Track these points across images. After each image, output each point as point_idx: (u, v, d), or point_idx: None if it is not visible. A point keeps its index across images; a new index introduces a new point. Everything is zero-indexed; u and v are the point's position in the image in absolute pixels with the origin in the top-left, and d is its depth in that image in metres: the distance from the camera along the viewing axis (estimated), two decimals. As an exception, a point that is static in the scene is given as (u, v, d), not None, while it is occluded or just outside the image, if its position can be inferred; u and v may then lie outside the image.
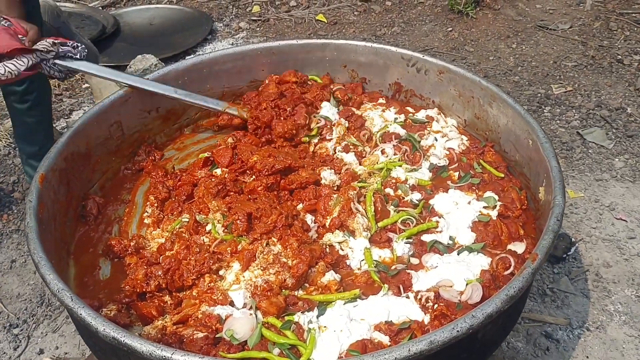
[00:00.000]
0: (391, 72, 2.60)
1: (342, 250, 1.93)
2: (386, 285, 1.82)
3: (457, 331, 1.42)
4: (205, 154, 2.36)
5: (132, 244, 2.00)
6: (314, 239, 1.95)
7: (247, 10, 5.73)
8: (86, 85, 4.34)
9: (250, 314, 1.69)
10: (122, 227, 2.15)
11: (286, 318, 1.71)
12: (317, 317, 1.72)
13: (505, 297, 1.48)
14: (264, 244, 1.89)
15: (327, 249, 1.92)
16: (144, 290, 1.85)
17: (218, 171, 2.26)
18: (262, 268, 1.83)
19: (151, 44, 4.90)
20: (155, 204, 2.18)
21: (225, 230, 1.97)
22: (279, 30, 5.41)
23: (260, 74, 2.67)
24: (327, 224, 1.99)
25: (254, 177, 2.16)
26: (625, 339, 2.48)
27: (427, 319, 1.72)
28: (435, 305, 1.74)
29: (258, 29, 5.45)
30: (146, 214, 2.17)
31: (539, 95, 4.09)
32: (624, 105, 3.93)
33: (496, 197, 2.08)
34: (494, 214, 2.04)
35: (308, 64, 2.68)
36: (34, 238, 1.70)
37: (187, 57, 4.42)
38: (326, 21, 5.55)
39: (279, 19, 5.62)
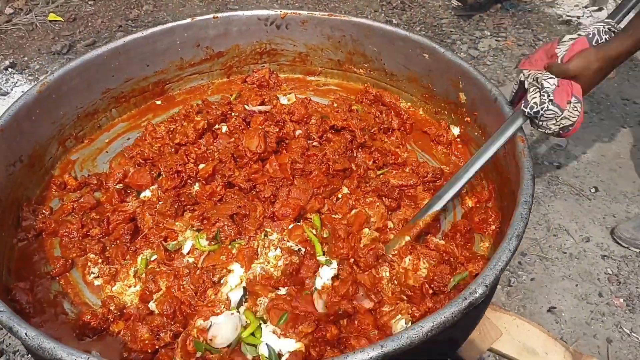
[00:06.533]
0: (248, 37, 2.51)
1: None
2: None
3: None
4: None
5: (111, 308, 1.66)
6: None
7: (-41, 32, 4.75)
8: None
9: (232, 314, 1.57)
10: (74, 301, 1.75)
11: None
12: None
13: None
14: (262, 237, 1.76)
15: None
16: (155, 347, 1.58)
17: (147, 193, 1.97)
18: (273, 265, 1.71)
19: None
20: (100, 260, 1.81)
21: (213, 241, 1.76)
22: (13, 45, 4.64)
23: (110, 80, 2.33)
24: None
25: (197, 183, 1.94)
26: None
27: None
28: None
29: (-13, 48, 4.58)
30: (93, 275, 1.80)
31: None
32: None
33: None
34: None
35: (157, 54, 2.42)
36: None
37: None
38: (63, 20, 4.91)
39: (3, 31, 4.79)
